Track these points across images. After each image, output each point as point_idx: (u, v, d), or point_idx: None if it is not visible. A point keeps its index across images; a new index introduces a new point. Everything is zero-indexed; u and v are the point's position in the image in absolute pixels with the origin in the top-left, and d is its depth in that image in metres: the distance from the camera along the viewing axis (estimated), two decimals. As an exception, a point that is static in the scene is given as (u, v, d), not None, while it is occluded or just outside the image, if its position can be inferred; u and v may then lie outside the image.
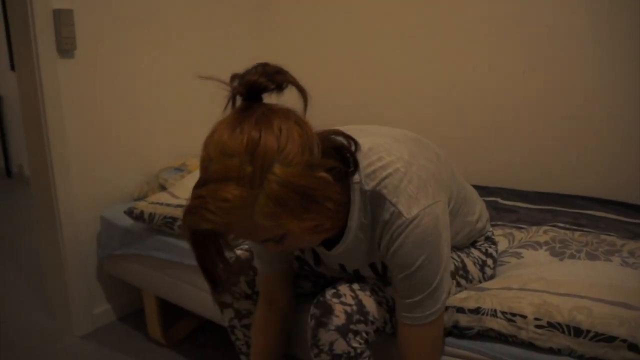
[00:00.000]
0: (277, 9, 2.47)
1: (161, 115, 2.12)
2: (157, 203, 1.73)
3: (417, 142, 0.98)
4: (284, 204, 0.77)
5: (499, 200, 1.77)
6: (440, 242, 0.88)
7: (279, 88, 0.79)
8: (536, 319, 0.99)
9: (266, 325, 1.17)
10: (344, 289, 1.00)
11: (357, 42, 2.25)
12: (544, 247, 1.31)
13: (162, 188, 1.93)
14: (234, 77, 0.79)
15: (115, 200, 1.98)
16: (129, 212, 1.73)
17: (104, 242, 1.88)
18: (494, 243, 1.25)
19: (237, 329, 1.23)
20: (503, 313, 1.02)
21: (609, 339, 0.93)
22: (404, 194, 0.86)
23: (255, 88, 0.78)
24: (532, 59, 1.83)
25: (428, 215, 0.86)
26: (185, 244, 1.61)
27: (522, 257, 1.29)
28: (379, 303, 1.01)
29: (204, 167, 0.77)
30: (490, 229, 1.26)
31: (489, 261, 1.20)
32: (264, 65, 0.79)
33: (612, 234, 1.43)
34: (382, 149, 0.91)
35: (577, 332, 0.95)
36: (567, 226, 1.48)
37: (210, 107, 2.28)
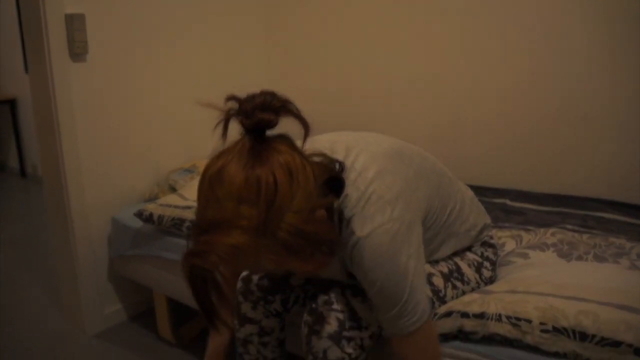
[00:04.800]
0: (285, 9, 2.48)
1: (171, 117, 2.14)
2: (166, 205, 1.75)
3: (395, 157, 0.96)
4: (292, 250, 0.78)
5: (508, 202, 1.77)
6: (399, 256, 0.87)
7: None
8: (541, 323, 0.99)
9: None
10: (336, 296, 1.01)
11: (360, 45, 2.25)
12: (552, 249, 1.31)
13: (172, 189, 1.96)
14: (231, 99, 0.79)
15: (126, 201, 2.00)
16: (139, 214, 1.75)
17: (115, 243, 1.91)
18: (492, 246, 1.24)
19: (253, 344, 1.19)
20: (508, 317, 1.02)
21: (615, 344, 0.92)
22: (359, 214, 0.87)
23: (264, 126, 0.78)
24: (539, 62, 1.81)
25: (382, 234, 0.86)
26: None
27: (529, 257, 1.29)
28: (370, 308, 1.01)
29: (211, 206, 0.75)
30: (490, 234, 1.25)
31: (486, 263, 1.19)
32: (272, 97, 0.78)
33: (621, 236, 1.42)
34: (350, 167, 0.91)
35: (582, 336, 0.95)
36: (576, 228, 1.47)
37: (219, 114, 2.30)
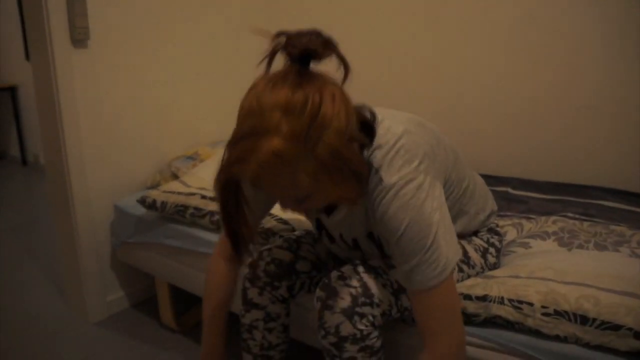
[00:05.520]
0: None
1: (173, 105, 2.14)
2: (169, 192, 1.75)
3: (418, 125, 0.98)
4: (328, 170, 0.82)
5: (510, 190, 1.77)
6: (424, 206, 0.88)
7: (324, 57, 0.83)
8: (543, 306, 1.00)
9: (227, 282, 1.20)
10: (349, 272, 1.02)
11: (369, 31, 2.25)
12: (552, 237, 1.32)
13: (174, 177, 1.96)
14: (281, 34, 0.82)
15: (128, 188, 2.00)
16: (142, 201, 1.76)
17: (117, 231, 1.91)
18: (498, 234, 1.25)
19: (258, 330, 1.20)
20: (510, 300, 1.02)
21: (615, 328, 0.93)
22: (387, 164, 0.90)
23: (310, 55, 0.81)
24: (543, 49, 1.81)
25: (408, 183, 0.88)
26: (196, 232, 1.64)
27: (530, 247, 1.29)
28: (383, 285, 1.02)
29: (254, 116, 0.79)
30: (495, 221, 1.26)
31: (491, 249, 1.20)
32: (317, 34, 0.81)
33: (622, 224, 1.43)
34: (379, 123, 0.94)
35: (583, 320, 0.96)
36: (577, 216, 1.48)
37: (223, 97, 2.31)
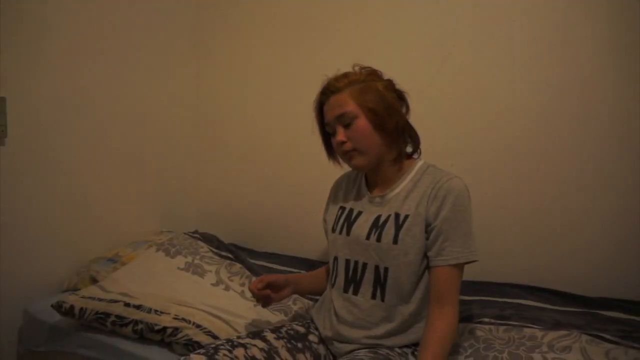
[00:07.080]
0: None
1: (93, 203, 2.07)
2: (89, 297, 1.65)
3: None
4: (373, 97, 1.25)
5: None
6: (470, 206, 1.24)
7: None
8: None
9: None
10: None
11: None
12: (469, 351, 1.38)
13: (93, 280, 1.86)
14: None
15: (41, 291, 1.87)
16: (58, 307, 1.64)
17: (26, 338, 1.76)
18: None
19: None
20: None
21: None
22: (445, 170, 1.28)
23: None
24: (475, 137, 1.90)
25: (464, 185, 1.23)
26: (116, 342, 1.56)
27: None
28: None
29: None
30: None
31: None
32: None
33: (535, 325, 1.49)
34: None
35: None
36: (493, 320, 1.53)
37: (143, 193, 2.26)
